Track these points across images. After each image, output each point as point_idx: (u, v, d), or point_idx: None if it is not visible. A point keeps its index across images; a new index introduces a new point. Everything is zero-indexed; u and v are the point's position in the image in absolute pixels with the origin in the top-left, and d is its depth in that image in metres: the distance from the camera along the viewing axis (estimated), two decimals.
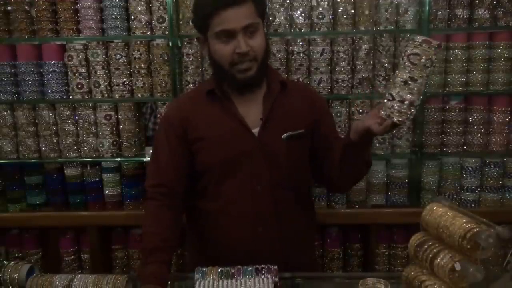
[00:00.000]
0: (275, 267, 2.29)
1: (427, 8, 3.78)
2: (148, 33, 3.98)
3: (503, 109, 3.97)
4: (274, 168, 2.66)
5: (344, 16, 3.88)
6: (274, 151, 2.65)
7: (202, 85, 2.98)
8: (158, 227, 2.61)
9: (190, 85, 3.95)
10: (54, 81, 4.03)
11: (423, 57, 2.13)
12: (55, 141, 4.13)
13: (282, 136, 2.63)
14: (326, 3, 3.86)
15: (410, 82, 2.17)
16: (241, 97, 2.67)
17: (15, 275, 2.44)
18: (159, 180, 2.71)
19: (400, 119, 2.23)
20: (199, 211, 2.80)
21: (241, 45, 2.45)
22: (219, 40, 2.50)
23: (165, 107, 4.00)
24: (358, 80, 3.96)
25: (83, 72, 4.02)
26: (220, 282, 2.20)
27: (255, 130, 2.64)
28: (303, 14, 3.89)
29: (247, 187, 2.65)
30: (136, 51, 3.97)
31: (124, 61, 4.00)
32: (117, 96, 4.04)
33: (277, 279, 2.22)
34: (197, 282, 2.20)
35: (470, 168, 4.02)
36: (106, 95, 4.05)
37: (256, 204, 2.66)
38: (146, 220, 2.68)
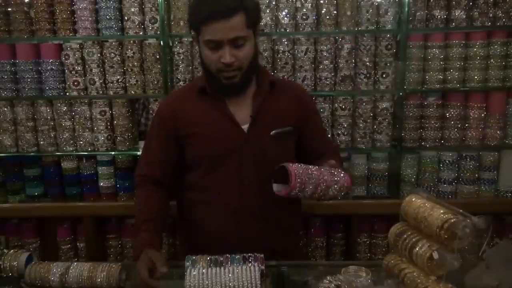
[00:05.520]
0: (261, 255, 2.25)
1: (406, 9, 3.73)
2: (140, 33, 3.94)
3: (479, 105, 3.93)
4: (262, 163, 2.61)
5: (327, 17, 3.83)
6: (262, 147, 2.61)
7: (194, 82, 2.95)
8: (147, 204, 2.65)
9: (181, 83, 3.92)
10: (51, 79, 4.00)
11: None
12: (52, 135, 4.10)
13: (271, 133, 2.59)
14: (310, 4, 3.81)
15: None
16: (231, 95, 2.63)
17: (15, 263, 2.49)
18: (147, 172, 2.74)
19: None
20: (189, 202, 2.77)
21: (226, 56, 2.41)
22: (208, 47, 2.45)
23: (157, 103, 3.99)
24: (340, 78, 3.91)
25: (79, 70, 3.99)
26: (209, 269, 2.16)
27: (245, 127, 2.60)
28: (288, 15, 3.84)
29: (234, 181, 2.61)
30: (129, 50, 3.94)
31: (118, 59, 3.97)
32: (111, 93, 4.00)
33: (263, 267, 2.18)
34: (188, 270, 2.16)
35: (447, 162, 3.98)
36: (101, 92, 4.01)
37: (243, 198, 2.62)
38: (137, 202, 2.72)
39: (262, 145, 2.60)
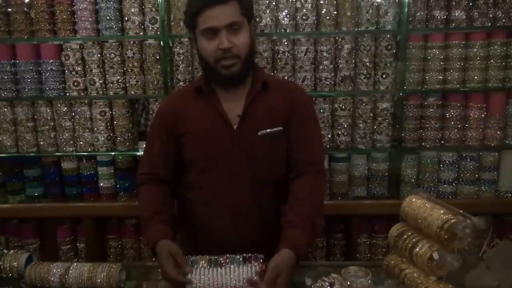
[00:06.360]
0: (261, 255, 2.25)
1: (406, 9, 3.73)
2: (141, 34, 3.95)
3: (479, 105, 3.93)
4: (253, 163, 2.60)
5: (327, 17, 3.83)
6: (251, 147, 2.59)
7: (193, 82, 2.95)
8: (154, 200, 2.63)
9: (181, 83, 3.92)
10: (51, 79, 4.00)
11: None
12: (52, 136, 4.11)
13: (258, 133, 2.58)
14: (310, 5, 3.81)
15: None
16: (226, 94, 2.62)
17: (15, 263, 2.50)
18: (149, 170, 2.73)
19: None
20: (187, 201, 2.76)
21: (223, 41, 2.41)
22: (205, 37, 2.46)
23: (157, 103, 4.00)
24: (340, 78, 3.91)
25: (79, 70, 3.99)
26: (210, 270, 2.17)
27: (236, 126, 2.59)
28: (288, 16, 3.84)
29: (227, 180, 2.60)
30: (129, 51, 3.95)
31: (118, 60, 3.98)
32: (111, 93, 4.01)
33: (263, 267, 2.18)
34: None
35: (447, 162, 3.98)
36: (101, 92, 4.01)
37: (236, 197, 2.61)
38: (142, 199, 2.71)
39: (251, 145, 2.59)
